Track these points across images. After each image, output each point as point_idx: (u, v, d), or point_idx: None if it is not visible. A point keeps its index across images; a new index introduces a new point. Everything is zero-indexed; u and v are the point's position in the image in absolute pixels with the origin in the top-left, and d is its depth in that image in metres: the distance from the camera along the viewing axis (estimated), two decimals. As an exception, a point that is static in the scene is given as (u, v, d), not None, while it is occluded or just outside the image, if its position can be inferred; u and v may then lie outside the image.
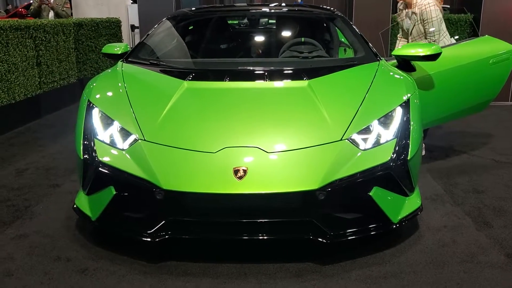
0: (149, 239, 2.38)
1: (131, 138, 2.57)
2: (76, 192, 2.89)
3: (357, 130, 2.52)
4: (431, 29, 4.43)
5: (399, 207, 2.54)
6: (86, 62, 7.28)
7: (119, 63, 3.37)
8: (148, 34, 3.71)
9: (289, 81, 2.94)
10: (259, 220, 2.35)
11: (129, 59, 3.37)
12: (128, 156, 2.50)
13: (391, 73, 3.07)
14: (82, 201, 2.71)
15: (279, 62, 3.40)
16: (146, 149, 2.48)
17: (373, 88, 2.81)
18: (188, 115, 2.68)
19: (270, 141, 2.47)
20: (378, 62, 3.19)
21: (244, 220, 2.37)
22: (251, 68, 3.15)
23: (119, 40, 7.78)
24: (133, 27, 7.79)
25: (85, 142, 2.65)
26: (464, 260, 2.47)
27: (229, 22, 4.50)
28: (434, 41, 4.40)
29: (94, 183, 2.59)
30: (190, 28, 4.14)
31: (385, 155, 2.48)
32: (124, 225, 2.51)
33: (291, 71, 3.11)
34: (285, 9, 4.17)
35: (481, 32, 6.45)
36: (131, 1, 7.99)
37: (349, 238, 2.39)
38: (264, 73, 3.01)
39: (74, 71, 6.98)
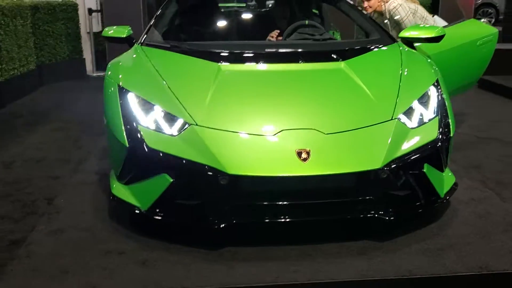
0: (215, 226, 2.32)
1: (178, 123, 2.49)
2: (86, 183, 2.83)
3: (403, 110, 2.59)
4: (403, 26, 4.53)
5: (442, 182, 2.65)
6: (43, 47, 6.89)
7: (137, 46, 3.23)
8: (156, 16, 3.57)
9: (324, 62, 2.95)
10: (324, 201, 2.37)
11: (146, 43, 3.23)
12: (181, 142, 2.42)
13: (415, 55, 3.16)
14: (123, 191, 2.59)
15: (305, 44, 3.37)
16: (201, 134, 2.41)
17: (404, 69, 2.88)
18: (234, 99, 2.63)
19: (324, 122, 2.48)
20: (397, 44, 3.27)
21: (310, 202, 2.37)
22: (280, 50, 3.12)
23: (76, 24, 7.42)
24: (90, 11, 7.43)
25: (128, 128, 2.52)
26: (506, 229, 2.62)
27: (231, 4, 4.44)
28: None
29: (142, 171, 2.48)
30: (198, 9, 4.02)
31: (432, 133, 2.57)
32: (182, 213, 2.42)
33: (323, 53, 3.11)
34: None
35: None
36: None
37: (407, 213, 2.47)
38: (297, 55, 2.99)
39: (33, 57, 6.58)
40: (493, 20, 13.30)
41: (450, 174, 2.77)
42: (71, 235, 2.58)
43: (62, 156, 4.13)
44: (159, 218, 2.46)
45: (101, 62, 7.75)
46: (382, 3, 4.49)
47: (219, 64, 2.85)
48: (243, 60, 2.97)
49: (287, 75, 2.83)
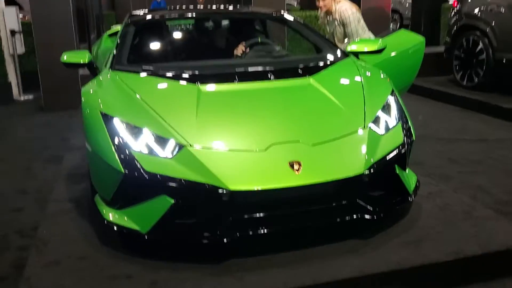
0: (219, 241, 2.44)
1: (171, 145, 2.59)
2: (64, 212, 2.97)
3: (372, 119, 2.87)
4: (347, 30, 5.01)
5: (409, 180, 2.96)
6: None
7: (107, 71, 3.26)
8: (120, 40, 3.59)
9: (293, 79, 3.17)
10: (317, 207, 2.58)
11: (117, 68, 3.27)
12: (178, 163, 2.52)
13: (369, 68, 3.47)
14: (118, 216, 2.64)
15: (272, 62, 3.58)
16: (196, 154, 2.53)
17: (364, 81, 3.18)
18: (220, 118, 2.77)
19: (307, 134, 2.70)
20: (351, 57, 3.57)
21: (304, 209, 2.57)
22: (250, 69, 3.30)
23: (-3, 46, 7.12)
24: (13, 32, 7.13)
25: (121, 154, 2.58)
26: (465, 217, 2.98)
27: (186, 24, 4.55)
28: (354, 39, 4.96)
29: (139, 195, 2.55)
30: (157, 31, 4.10)
31: (398, 137, 2.88)
32: (184, 232, 2.52)
33: (290, 69, 3.33)
34: (240, 12, 4.36)
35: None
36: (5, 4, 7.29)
37: (386, 212, 2.74)
38: (267, 73, 3.19)
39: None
40: (398, 26, 14.35)
41: (411, 172, 3.10)
42: (69, 265, 2.58)
43: (17, 186, 4.02)
44: (161, 239, 2.54)
45: (30, 85, 7.47)
46: (333, 3, 4.99)
47: (198, 85, 2.98)
48: (220, 80, 3.11)
49: (263, 92, 3.02)
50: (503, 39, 5.92)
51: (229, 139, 2.64)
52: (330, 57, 3.55)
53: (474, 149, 4.68)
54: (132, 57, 3.54)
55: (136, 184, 2.54)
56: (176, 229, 2.53)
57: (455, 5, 6.96)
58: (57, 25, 6.45)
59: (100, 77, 3.26)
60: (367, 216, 2.64)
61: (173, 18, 4.31)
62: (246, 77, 3.17)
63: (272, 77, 3.14)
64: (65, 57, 3.62)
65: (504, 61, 5.94)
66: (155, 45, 3.98)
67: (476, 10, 6.36)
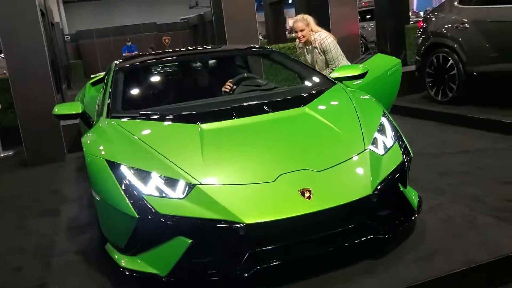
0: (240, 276, 2.46)
1: (181, 186, 2.62)
2: (72, 265, 2.93)
3: (370, 141, 2.97)
4: (328, 57, 5.18)
5: (412, 197, 3.05)
6: None
7: (104, 119, 3.29)
8: (111, 89, 3.63)
9: (289, 109, 3.26)
10: (331, 232, 2.63)
11: (114, 115, 3.31)
12: (191, 203, 2.55)
13: (358, 92, 3.59)
14: (134, 262, 2.64)
15: (264, 95, 3.67)
16: (208, 192, 2.57)
17: (357, 105, 3.29)
18: (226, 154, 2.82)
19: (312, 161, 2.77)
20: (339, 84, 3.69)
21: (318, 235, 2.62)
22: (246, 104, 3.38)
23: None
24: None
25: (132, 201, 2.59)
26: (468, 227, 3.08)
27: (172, 66, 4.63)
28: (336, 66, 5.13)
29: (155, 238, 2.56)
30: (146, 76, 4.16)
31: (398, 156, 2.98)
32: (203, 271, 2.53)
33: (285, 101, 3.42)
34: (226, 51, 4.48)
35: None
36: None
37: (396, 230, 2.81)
38: (263, 106, 3.27)
39: None
40: (364, 49, 14.77)
41: (412, 189, 3.19)
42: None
43: (13, 245, 3.94)
44: (181, 279, 2.54)
45: (9, 141, 7.38)
46: (311, 33, 5.13)
47: (199, 124, 3.04)
48: (219, 118, 3.17)
49: (262, 125, 3.09)
50: (472, 53, 6.19)
51: (238, 173, 2.69)
52: (319, 85, 3.67)
53: (459, 161, 4.82)
54: (126, 103, 3.59)
55: (150, 227, 2.55)
56: (195, 268, 2.54)
57: (421, 25, 7.26)
58: (35, 77, 6.44)
59: (99, 126, 3.28)
60: (380, 236, 2.70)
61: (160, 62, 4.39)
62: (244, 112, 3.24)
63: (269, 110, 3.22)
64: (56, 110, 3.65)
65: (475, 74, 6.19)
66: (146, 90, 4.05)
67: (443, 29, 6.64)
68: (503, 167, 4.51)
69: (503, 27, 5.83)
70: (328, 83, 3.72)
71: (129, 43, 16.32)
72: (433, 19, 7.01)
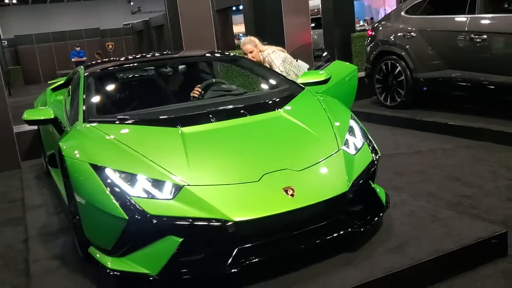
0: (229, 272, 2.57)
1: (167, 187, 2.70)
2: (40, 273, 3.02)
3: (343, 142, 3.16)
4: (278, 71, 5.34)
5: (380, 193, 3.27)
6: None
7: (81, 123, 3.31)
8: (84, 94, 3.63)
9: (266, 112, 3.40)
10: (312, 227, 2.79)
11: (90, 120, 3.33)
12: (179, 203, 2.64)
13: (326, 97, 3.79)
14: (123, 263, 2.69)
15: (238, 100, 3.79)
16: (197, 192, 2.67)
17: (326, 109, 3.48)
18: (209, 156, 2.93)
19: (291, 161, 2.93)
20: (307, 89, 3.88)
21: (300, 231, 2.77)
22: (222, 108, 3.49)
23: None
24: None
25: (120, 203, 2.65)
26: (432, 220, 3.33)
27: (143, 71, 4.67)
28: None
29: (144, 238, 2.62)
30: (116, 81, 4.17)
31: (368, 156, 3.19)
32: (194, 268, 2.62)
33: (259, 104, 3.56)
34: (195, 56, 4.57)
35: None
36: None
37: (370, 223, 3.00)
38: (240, 110, 3.40)
39: None
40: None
41: (378, 186, 3.42)
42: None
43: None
44: (172, 277, 2.62)
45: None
46: (259, 53, 5.25)
47: (179, 128, 3.12)
48: (198, 121, 3.27)
49: (241, 128, 3.22)
50: (418, 60, 6.59)
51: (223, 174, 2.80)
52: (288, 90, 3.84)
53: (412, 161, 5.15)
54: (99, 108, 3.61)
55: (140, 228, 2.61)
56: (185, 266, 2.62)
57: (369, 34, 7.63)
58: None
59: (76, 130, 3.29)
60: (356, 230, 2.89)
61: (130, 67, 4.42)
62: (221, 116, 3.35)
63: (246, 113, 3.35)
64: (26, 115, 3.63)
65: (422, 80, 6.60)
66: (117, 95, 4.07)
67: (391, 37, 7.02)
68: (452, 165, 4.87)
69: (446, 36, 6.26)
70: (296, 88, 3.89)
71: (78, 48, 15.97)
72: (381, 28, 7.40)
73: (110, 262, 2.73)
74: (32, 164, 6.28)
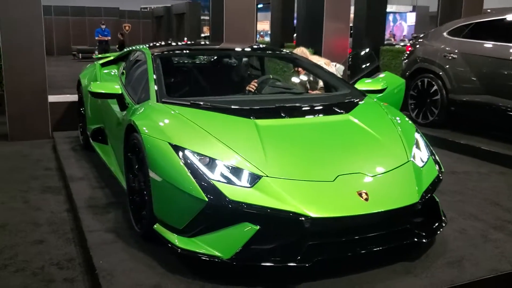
0: (304, 265, 2.60)
1: (245, 176, 2.74)
2: (97, 244, 3.07)
3: (411, 153, 3.20)
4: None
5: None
6: None
7: (156, 103, 3.33)
8: (155, 77, 3.65)
9: (335, 115, 3.44)
10: (381, 233, 2.83)
11: (164, 100, 3.36)
12: (258, 193, 2.67)
13: (389, 107, 3.83)
14: (193, 244, 2.73)
15: (302, 99, 3.83)
16: (275, 184, 2.71)
17: (393, 120, 3.52)
18: (284, 151, 2.97)
19: (364, 166, 2.97)
20: (369, 96, 3.92)
21: (369, 235, 2.81)
22: (290, 105, 3.52)
23: None
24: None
25: (200, 184, 2.67)
26: (484, 240, 3.38)
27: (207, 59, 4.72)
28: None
29: (220, 222, 2.66)
30: (183, 65, 4.22)
31: (434, 169, 3.24)
32: (265, 257, 2.65)
33: (327, 106, 3.58)
34: (258, 50, 4.62)
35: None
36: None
37: (433, 235, 3.04)
38: (309, 109, 3.43)
39: None
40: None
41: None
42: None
43: (25, 219, 3.87)
44: (244, 263, 2.64)
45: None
46: None
47: (253, 120, 3.15)
48: (270, 115, 3.31)
49: (313, 127, 3.26)
50: (457, 82, 6.65)
51: (299, 170, 2.84)
52: (351, 95, 3.87)
53: (450, 181, 5.19)
54: (169, 89, 3.63)
55: (217, 212, 2.65)
56: (256, 254, 2.65)
57: (408, 49, 7.68)
58: (27, 49, 6.25)
59: (151, 109, 3.32)
60: (421, 240, 2.93)
61: (195, 53, 4.45)
62: (292, 113, 3.38)
63: (316, 113, 3.39)
64: (92, 88, 3.65)
65: (458, 101, 6.66)
66: (181, 78, 4.09)
67: (430, 56, 7.08)
68: (489, 189, 4.91)
69: (489, 62, 6.32)
70: (358, 94, 3.93)
71: (104, 26, 15.87)
72: (421, 45, 7.45)
73: (180, 241, 2.76)
74: (64, 136, 6.28)
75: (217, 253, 2.65)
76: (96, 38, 15.82)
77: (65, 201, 4.30)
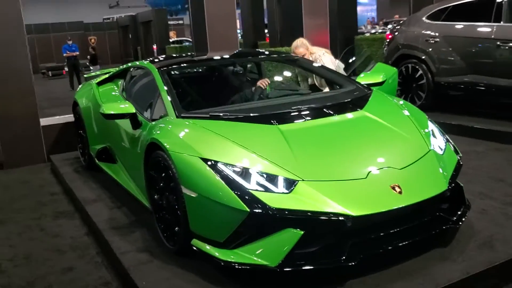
0: (351, 263, 2.66)
1: (281, 182, 2.78)
2: (133, 265, 3.08)
3: (430, 142, 3.29)
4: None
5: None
6: None
7: (175, 119, 3.34)
8: (166, 89, 3.65)
9: (351, 112, 3.50)
10: (415, 224, 2.91)
11: (183, 115, 3.37)
12: (297, 197, 2.71)
13: (397, 99, 3.91)
14: (237, 255, 2.74)
15: (315, 99, 3.89)
16: (312, 187, 2.75)
17: (405, 110, 3.61)
18: (313, 153, 3.01)
19: (391, 159, 3.04)
20: (376, 90, 4.00)
21: (406, 227, 2.88)
22: (305, 107, 3.55)
23: None
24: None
25: (239, 195, 2.70)
26: (507, 218, 3.50)
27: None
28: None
29: (263, 231, 2.69)
30: (189, 77, 4.22)
31: (453, 155, 3.34)
32: (312, 261, 2.69)
33: (341, 104, 3.64)
34: (261, 56, 4.67)
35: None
36: None
37: (463, 219, 3.13)
38: (325, 109, 3.49)
39: None
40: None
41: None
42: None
43: (46, 246, 3.83)
44: (292, 268, 2.68)
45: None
46: (310, 55, 5.38)
47: (276, 125, 3.19)
48: (291, 119, 3.36)
49: (334, 127, 3.32)
50: (441, 65, 6.81)
51: (331, 170, 2.89)
52: (357, 90, 3.94)
53: (450, 162, 5.33)
54: (183, 104, 3.63)
55: (260, 221, 2.67)
56: (302, 259, 2.69)
57: (388, 37, 7.82)
58: (15, 75, 6.14)
59: (172, 124, 3.31)
60: (453, 225, 3.03)
61: (201, 65, 4.45)
62: (310, 114, 3.43)
63: (332, 113, 3.44)
64: (104, 109, 3.62)
65: (444, 83, 6.82)
66: (191, 90, 4.09)
67: (412, 41, 7.23)
68: (489, 167, 5.06)
69: (472, 42, 6.50)
70: (363, 88, 4.00)
71: (70, 42, 15.58)
72: (401, 32, 7.59)
73: (223, 255, 2.77)
74: (62, 158, 6.19)
75: (264, 262, 2.68)
76: (64, 54, 15.51)
77: (82, 224, 4.27)
